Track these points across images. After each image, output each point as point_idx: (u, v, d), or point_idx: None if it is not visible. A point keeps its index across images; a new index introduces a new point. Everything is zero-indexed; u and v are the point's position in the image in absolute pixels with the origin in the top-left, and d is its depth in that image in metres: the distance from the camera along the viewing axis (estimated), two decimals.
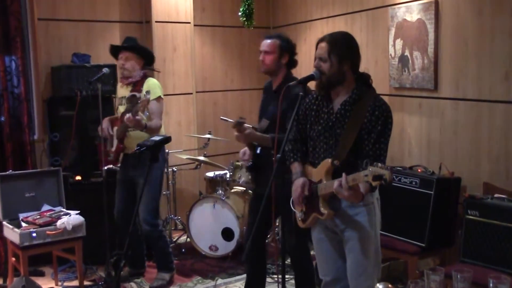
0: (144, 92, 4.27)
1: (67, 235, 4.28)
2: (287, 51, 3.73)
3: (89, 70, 5.18)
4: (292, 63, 3.78)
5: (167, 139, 3.49)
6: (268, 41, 3.73)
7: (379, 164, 2.43)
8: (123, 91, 4.57)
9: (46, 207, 4.58)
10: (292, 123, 2.93)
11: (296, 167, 3.06)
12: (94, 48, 5.71)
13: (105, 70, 4.52)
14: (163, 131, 4.53)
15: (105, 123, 4.51)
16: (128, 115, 4.06)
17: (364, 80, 2.91)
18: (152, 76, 4.80)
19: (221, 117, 5.54)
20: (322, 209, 2.84)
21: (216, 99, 6.77)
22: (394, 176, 4.16)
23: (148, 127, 4.21)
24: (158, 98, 4.43)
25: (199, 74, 6.57)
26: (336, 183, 2.65)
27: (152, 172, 4.30)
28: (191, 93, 6.21)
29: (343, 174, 2.62)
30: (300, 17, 6.45)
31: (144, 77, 4.49)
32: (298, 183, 2.95)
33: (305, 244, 3.85)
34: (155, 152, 3.34)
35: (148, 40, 5.98)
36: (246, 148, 3.86)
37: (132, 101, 4.15)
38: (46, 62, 5.44)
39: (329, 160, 2.80)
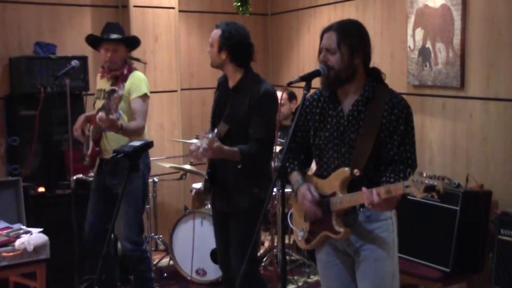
0: (126, 87, 4.26)
1: (27, 257, 4.24)
2: (225, 46, 3.73)
3: (55, 62, 5.14)
4: (240, 59, 3.76)
5: (149, 145, 3.47)
6: (213, 31, 3.79)
7: (424, 173, 2.44)
8: (102, 83, 4.54)
9: (2, 224, 4.54)
10: (293, 130, 2.90)
11: (294, 176, 3.04)
12: (60, 36, 5.69)
13: (74, 62, 4.50)
14: (146, 133, 4.51)
15: (79, 121, 4.47)
16: (100, 114, 4.04)
17: (376, 75, 2.91)
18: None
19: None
20: (337, 227, 2.82)
21: (204, 97, 6.75)
22: None
23: (124, 129, 4.19)
24: (144, 96, 4.40)
25: (185, 68, 6.56)
26: (368, 198, 2.63)
27: (133, 182, 4.29)
28: (176, 91, 6.20)
29: (373, 190, 2.62)
30: (303, 2, 6.46)
31: (129, 71, 4.48)
32: (302, 191, 2.92)
33: (258, 272, 3.87)
34: (134, 159, 3.33)
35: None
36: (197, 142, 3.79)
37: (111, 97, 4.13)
38: (3, 53, 5.40)
39: (346, 169, 2.79)
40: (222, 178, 3.78)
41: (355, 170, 2.76)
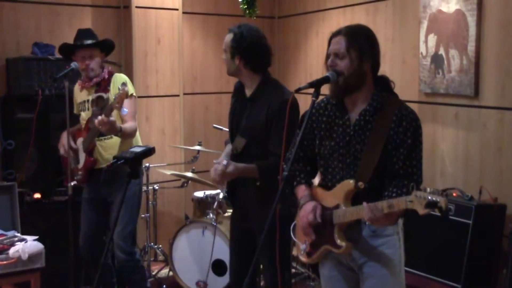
0: (118, 86, 4.26)
1: (21, 266, 4.24)
2: (237, 52, 3.59)
3: (54, 64, 5.16)
4: (256, 64, 3.63)
5: (150, 151, 3.48)
6: (226, 37, 3.67)
7: (428, 189, 2.43)
8: (83, 94, 4.56)
9: None
10: (301, 139, 2.89)
11: (302, 190, 3.04)
12: (59, 37, 5.67)
13: (73, 64, 4.50)
14: (138, 136, 4.53)
15: (63, 138, 4.49)
16: (100, 117, 4.04)
17: (385, 84, 2.91)
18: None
19: (214, 125, 5.55)
20: (338, 241, 2.82)
21: (208, 102, 6.76)
22: None
23: (123, 131, 4.20)
24: (131, 97, 4.41)
25: (188, 72, 6.57)
26: (369, 213, 2.62)
27: (129, 190, 4.28)
28: (178, 95, 6.20)
29: (375, 203, 2.61)
30: (312, 5, 6.47)
31: (110, 74, 4.50)
32: (307, 208, 2.91)
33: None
34: (135, 166, 3.33)
35: (126, 29, 5.98)
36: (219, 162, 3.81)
37: (99, 103, 4.14)
38: (0, 53, 5.42)
39: (351, 181, 2.79)
40: (242, 196, 3.73)
41: (360, 183, 2.75)
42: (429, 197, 2.40)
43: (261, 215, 3.61)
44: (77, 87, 4.64)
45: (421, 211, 2.43)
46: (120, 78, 4.49)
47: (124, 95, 3.98)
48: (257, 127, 3.57)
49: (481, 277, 4.09)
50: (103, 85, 4.44)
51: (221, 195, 5.33)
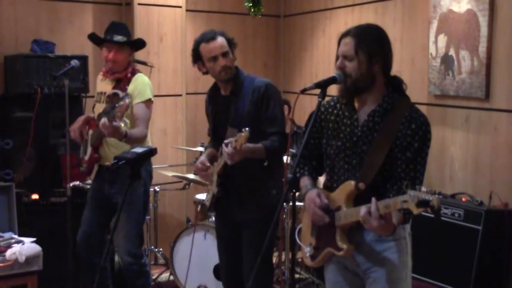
0: (128, 92, 4.25)
1: (18, 268, 4.25)
2: (234, 47, 3.87)
3: (53, 61, 5.16)
4: None
5: (152, 151, 3.48)
6: (219, 40, 3.80)
7: (423, 188, 2.42)
8: (103, 85, 4.53)
9: None
10: (307, 138, 2.91)
11: (304, 180, 3.06)
12: (59, 34, 5.71)
13: (73, 62, 4.51)
14: (149, 141, 4.50)
15: (78, 122, 4.47)
16: (103, 120, 4.03)
17: (397, 85, 2.90)
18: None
19: None
20: (339, 243, 2.82)
21: None
22: None
23: (128, 136, 4.18)
24: (148, 102, 4.39)
25: (191, 71, 6.53)
26: (363, 210, 2.62)
27: (134, 191, 4.29)
28: (180, 95, 6.21)
29: (373, 199, 2.60)
30: (319, 4, 6.47)
31: (133, 74, 4.48)
32: (311, 196, 2.93)
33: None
34: (136, 167, 3.33)
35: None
36: (203, 157, 3.85)
37: (114, 100, 4.12)
38: None
39: (352, 182, 2.79)
40: (236, 184, 3.76)
41: (360, 184, 2.75)
42: (422, 196, 2.40)
43: (255, 204, 3.73)
44: (100, 76, 4.62)
45: (415, 210, 2.43)
46: (141, 80, 4.44)
47: (124, 107, 3.96)
48: (246, 115, 3.71)
49: (490, 285, 4.08)
50: (123, 83, 4.41)
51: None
